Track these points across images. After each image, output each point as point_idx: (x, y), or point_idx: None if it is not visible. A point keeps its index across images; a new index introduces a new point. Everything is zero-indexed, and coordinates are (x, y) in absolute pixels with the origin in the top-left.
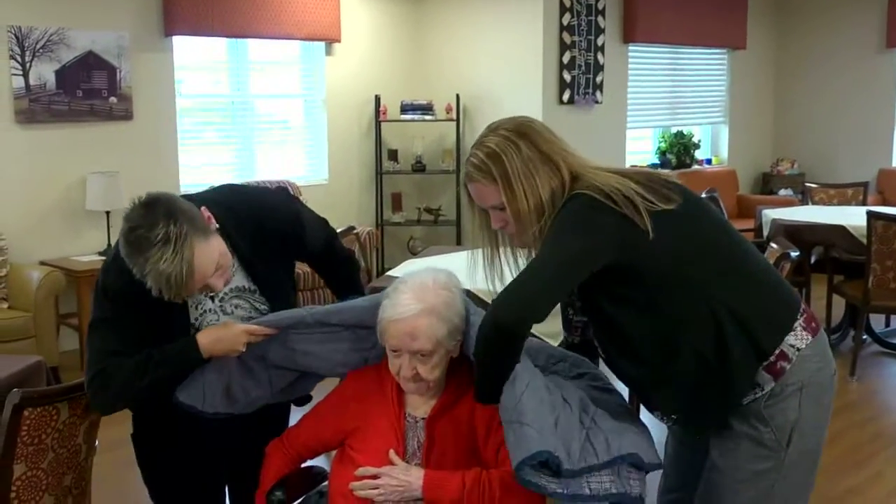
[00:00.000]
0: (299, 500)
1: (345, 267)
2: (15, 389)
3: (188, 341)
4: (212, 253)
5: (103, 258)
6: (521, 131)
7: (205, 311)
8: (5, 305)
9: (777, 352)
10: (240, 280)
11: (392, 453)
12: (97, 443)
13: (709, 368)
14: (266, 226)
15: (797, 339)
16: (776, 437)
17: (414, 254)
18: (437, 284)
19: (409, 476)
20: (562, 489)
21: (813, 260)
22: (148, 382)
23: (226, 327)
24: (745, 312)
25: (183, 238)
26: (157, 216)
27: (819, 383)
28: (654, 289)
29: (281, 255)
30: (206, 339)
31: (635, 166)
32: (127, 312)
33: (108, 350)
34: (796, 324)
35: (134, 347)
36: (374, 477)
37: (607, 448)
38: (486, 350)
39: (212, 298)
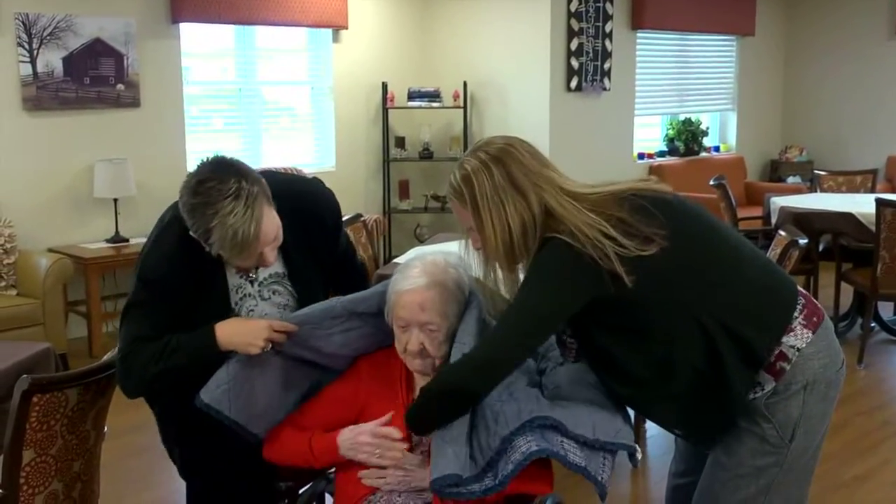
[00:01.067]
0: (307, 487)
1: (362, 276)
2: (24, 376)
3: (206, 330)
4: (275, 219)
5: (111, 245)
6: (499, 156)
7: (244, 297)
8: (14, 292)
9: (775, 353)
10: (279, 266)
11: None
12: (105, 429)
13: (705, 383)
14: (307, 212)
15: (796, 339)
16: (779, 433)
17: (421, 241)
18: (448, 263)
19: (419, 466)
20: (479, 487)
21: (821, 247)
22: (162, 368)
23: (247, 321)
24: (737, 323)
25: (254, 197)
26: (228, 172)
27: (826, 380)
28: (641, 315)
29: (315, 247)
30: (225, 330)
31: (646, 180)
32: (164, 299)
33: (137, 336)
34: (795, 323)
35: (166, 334)
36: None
37: (518, 415)
38: (442, 403)
39: (251, 282)
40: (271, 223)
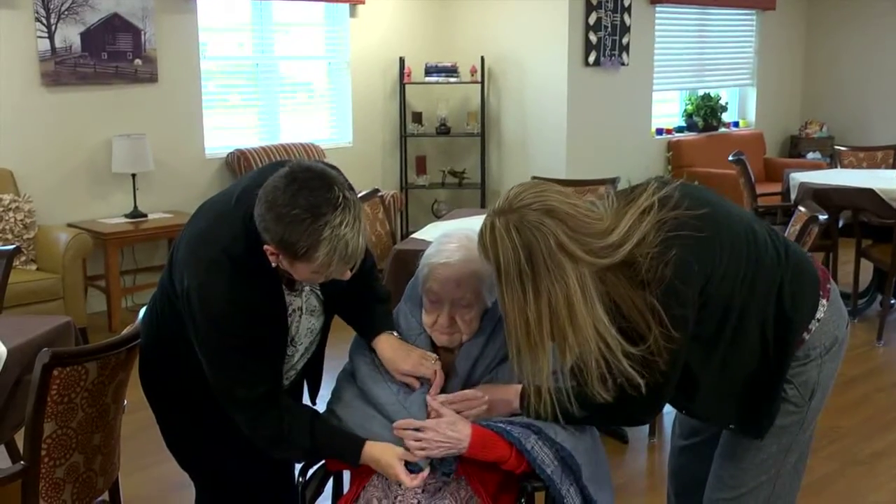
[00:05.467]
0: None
1: (382, 297)
2: (45, 349)
3: (356, 443)
4: None
5: (130, 220)
6: (527, 241)
7: (293, 311)
8: (34, 267)
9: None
10: None
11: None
12: (125, 403)
13: (763, 373)
14: None
15: (818, 311)
16: (800, 393)
17: (438, 217)
18: None
19: (457, 433)
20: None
21: (841, 224)
22: (298, 445)
23: (392, 455)
24: (788, 310)
25: (357, 206)
26: (326, 179)
27: (839, 341)
28: (711, 320)
29: None
30: (374, 450)
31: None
32: (247, 333)
33: (256, 381)
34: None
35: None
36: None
37: (556, 434)
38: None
39: (298, 295)
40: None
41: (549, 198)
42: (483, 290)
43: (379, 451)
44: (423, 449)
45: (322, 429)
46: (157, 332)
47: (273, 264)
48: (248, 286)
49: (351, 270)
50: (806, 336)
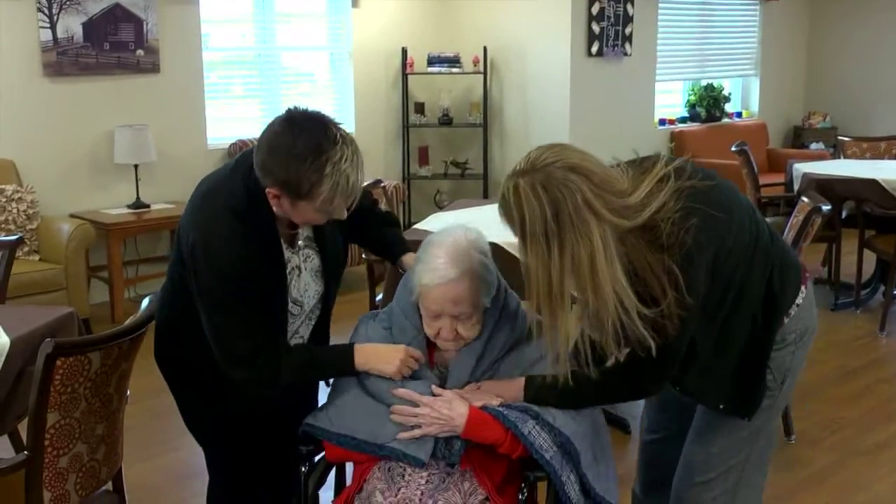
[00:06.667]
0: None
1: (390, 221)
2: (48, 339)
3: (345, 350)
4: None
5: (132, 211)
6: (553, 198)
7: (292, 269)
8: (37, 258)
9: None
10: (307, 229)
11: (435, 388)
12: (128, 393)
13: (754, 352)
14: None
15: (799, 296)
16: (774, 377)
17: (440, 207)
18: (470, 244)
19: (451, 411)
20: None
21: (844, 214)
22: (298, 379)
23: (385, 345)
24: (777, 291)
25: (355, 144)
26: (324, 121)
27: (812, 328)
28: (716, 290)
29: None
30: (363, 352)
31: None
32: (251, 286)
33: (254, 333)
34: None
35: (267, 322)
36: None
37: (554, 419)
38: (612, 400)
39: (296, 253)
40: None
41: (570, 156)
42: (480, 296)
43: (373, 346)
44: (418, 426)
45: (314, 370)
46: (170, 311)
47: (274, 208)
48: (249, 237)
49: (348, 209)
50: (786, 320)
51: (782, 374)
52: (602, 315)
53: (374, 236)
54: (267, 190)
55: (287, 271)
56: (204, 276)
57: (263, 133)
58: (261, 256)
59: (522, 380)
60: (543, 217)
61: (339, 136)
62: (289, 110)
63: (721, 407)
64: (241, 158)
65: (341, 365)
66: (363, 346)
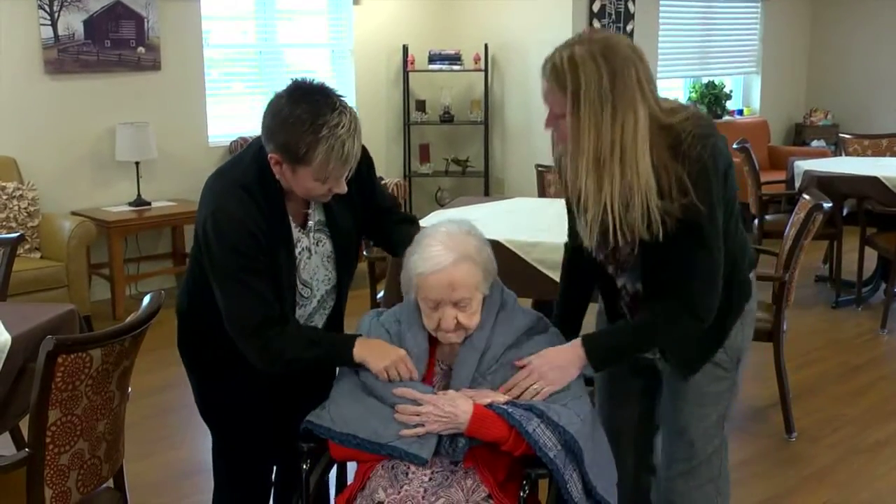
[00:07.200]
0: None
1: (411, 223)
2: (49, 336)
3: (347, 340)
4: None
5: (134, 208)
6: (612, 67)
7: (302, 250)
8: (38, 255)
9: None
10: (319, 213)
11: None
12: (130, 390)
13: (724, 307)
14: None
15: (751, 272)
16: (729, 357)
17: (441, 205)
18: (462, 231)
19: (455, 408)
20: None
21: (845, 212)
22: (300, 357)
23: (388, 345)
24: (743, 257)
25: (355, 115)
26: (326, 91)
27: (752, 310)
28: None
29: (350, 194)
30: (365, 345)
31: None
32: (258, 260)
33: (260, 305)
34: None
35: (263, 295)
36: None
37: (559, 417)
38: (681, 339)
39: (307, 234)
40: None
41: (623, 39)
42: (479, 281)
43: (376, 341)
44: (421, 424)
45: (317, 349)
46: (190, 298)
47: (278, 177)
48: (258, 211)
49: (346, 180)
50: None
51: (736, 354)
52: (634, 187)
53: (388, 231)
54: (269, 156)
55: (297, 251)
56: (215, 249)
57: (269, 101)
58: (269, 231)
59: (576, 341)
60: (600, 83)
61: (339, 104)
62: (294, 80)
63: (665, 357)
64: (255, 140)
65: (341, 350)
66: (367, 340)
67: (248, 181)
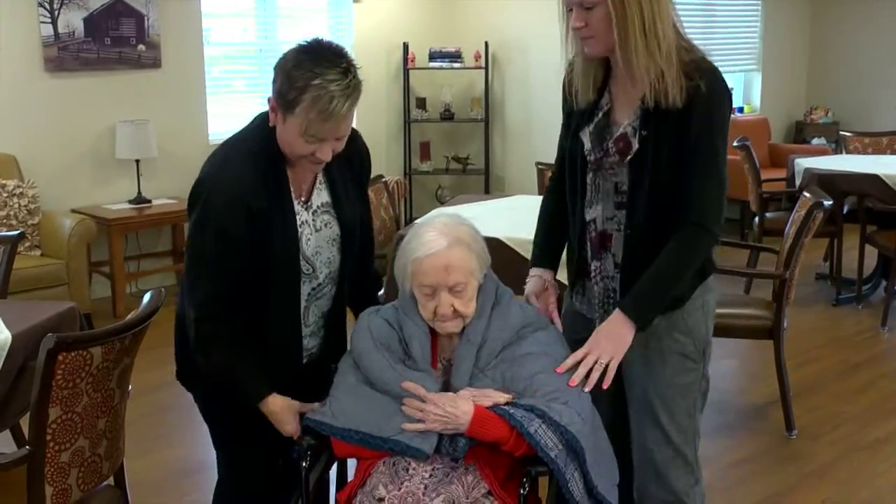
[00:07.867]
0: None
1: (376, 280)
2: (49, 334)
3: (263, 388)
4: (352, 119)
5: (134, 206)
6: None
7: (301, 224)
8: (38, 253)
9: None
10: (325, 195)
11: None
12: (130, 388)
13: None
14: (353, 146)
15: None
16: (696, 348)
17: (442, 203)
18: (456, 221)
19: (456, 409)
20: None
21: (846, 209)
22: (222, 368)
23: (289, 412)
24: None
25: (358, 83)
26: (342, 53)
27: (714, 299)
28: None
29: (356, 181)
30: (276, 403)
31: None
32: (237, 248)
33: (215, 298)
34: None
35: (239, 286)
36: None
37: (561, 417)
38: (696, 260)
39: (307, 209)
40: (351, 119)
41: None
42: (473, 266)
43: (284, 403)
44: (422, 420)
45: (231, 375)
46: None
47: (271, 124)
48: (256, 171)
49: (334, 153)
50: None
51: (702, 344)
52: (666, 67)
53: (354, 280)
54: (268, 99)
55: (297, 223)
56: (201, 210)
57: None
58: (266, 193)
59: (616, 312)
60: None
61: (346, 66)
62: (315, 38)
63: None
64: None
65: (251, 390)
66: (276, 399)
67: (252, 143)
